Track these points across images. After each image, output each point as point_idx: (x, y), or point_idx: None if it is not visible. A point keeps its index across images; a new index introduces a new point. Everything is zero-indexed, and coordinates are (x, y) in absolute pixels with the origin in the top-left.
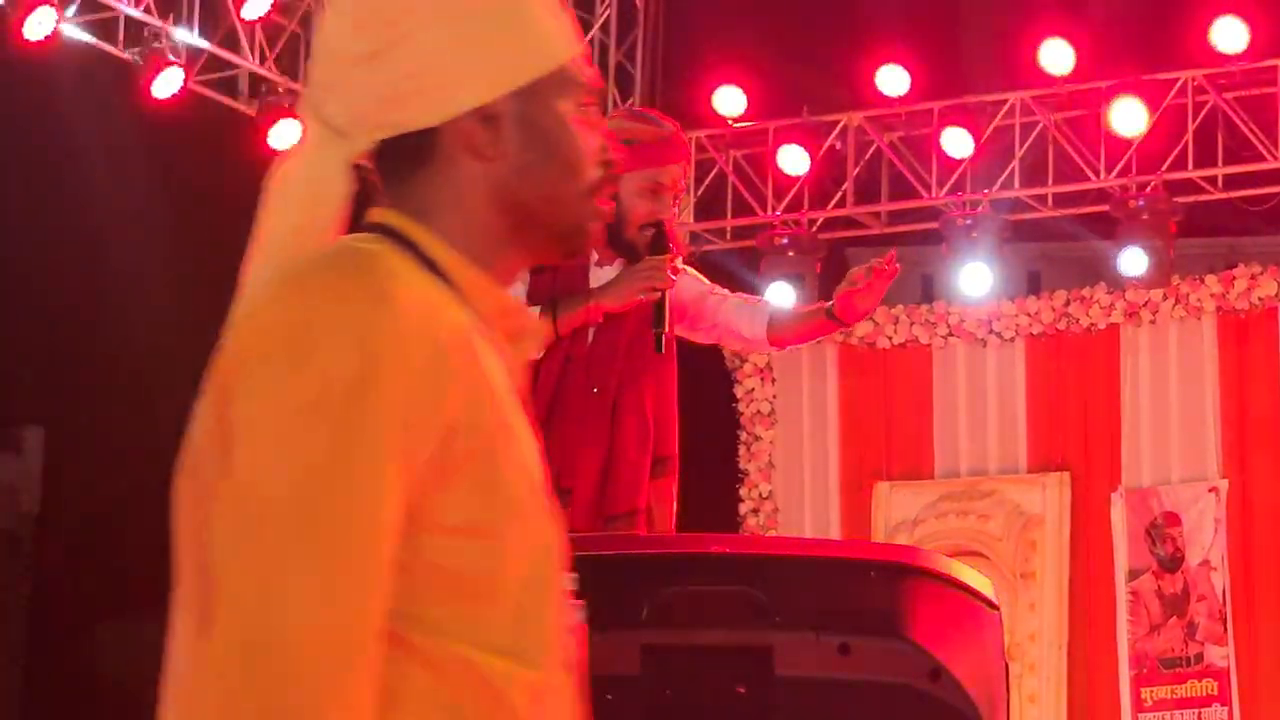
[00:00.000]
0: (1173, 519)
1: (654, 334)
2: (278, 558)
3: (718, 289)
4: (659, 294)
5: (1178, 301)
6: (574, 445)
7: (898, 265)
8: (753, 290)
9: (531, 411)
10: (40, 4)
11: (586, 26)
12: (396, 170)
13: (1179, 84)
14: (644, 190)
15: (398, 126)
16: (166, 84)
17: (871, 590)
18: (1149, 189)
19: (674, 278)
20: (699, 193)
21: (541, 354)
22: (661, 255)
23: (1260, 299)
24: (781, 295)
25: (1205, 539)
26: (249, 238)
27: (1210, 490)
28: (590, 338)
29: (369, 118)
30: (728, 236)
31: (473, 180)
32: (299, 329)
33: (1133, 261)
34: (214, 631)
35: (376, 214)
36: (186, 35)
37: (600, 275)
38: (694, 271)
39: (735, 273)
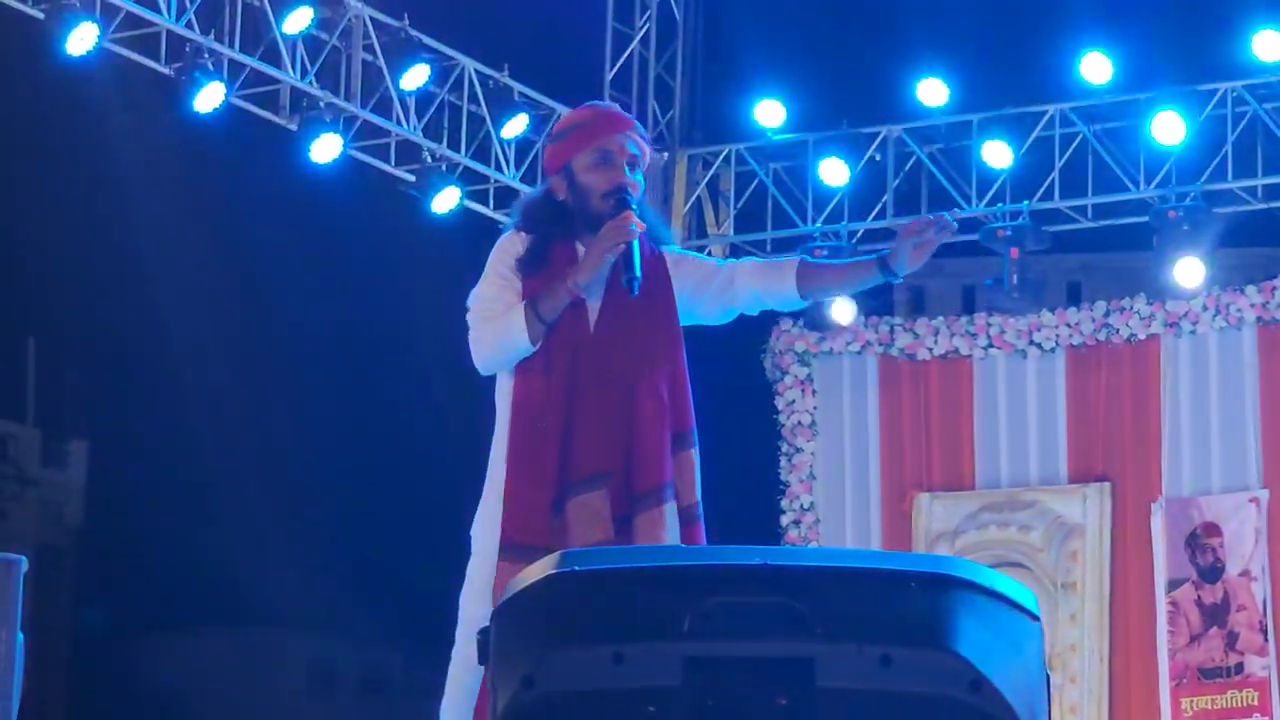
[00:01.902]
0: (1213, 529)
1: (626, 280)
2: None
3: (726, 259)
4: (624, 246)
5: (1218, 312)
6: (597, 430)
7: (955, 226)
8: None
9: (553, 402)
10: (83, 19)
11: (626, 40)
12: None
13: (1219, 94)
14: (594, 164)
15: None
16: (208, 99)
17: (913, 601)
18: (1189, 199)
19: (636, 230)
20: (739, 204)
21: (539, 345)
22: (620, 214)
23: None
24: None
25: (1245, 549)
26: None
27: (1251, 500)
28: (592, 326)
29: None
30: (768, 248)
31: None
32: None
33: (1187, 273)
34: None
35: None
36: (228, 50)
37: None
38: (695, 254)
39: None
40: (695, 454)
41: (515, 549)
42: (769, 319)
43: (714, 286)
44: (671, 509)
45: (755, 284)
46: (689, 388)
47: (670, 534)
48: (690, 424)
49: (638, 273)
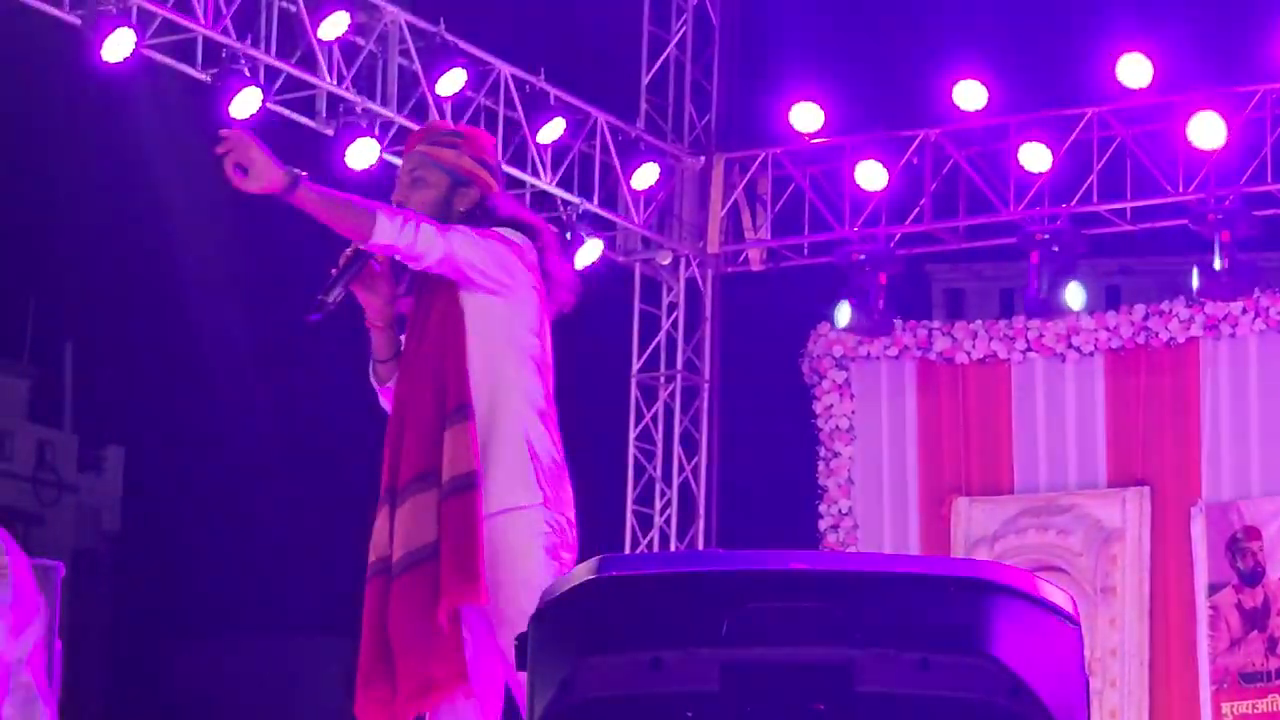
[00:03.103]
0: (1253, 533)
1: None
2: None
3: None
4: (339, 264)
5: (1257, 315)
6: (390, 444)
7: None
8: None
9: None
10: (119, 26)
11: (663, 44)
12: None
13: (1257, 97)
14: None
15: None
16: (244, 104)
17: (951, 606)
18: (1227, 202)
19: (346, 254)
20: (776, 209)
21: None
22: None
23: None
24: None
25: None
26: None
27: None
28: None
29: None
30: (805, 253)
31: None
32: None
33: (1200, 278)
34: None
35: None
36: (264, 55)
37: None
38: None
39: (813, 288)
40: (469, 426)
41: (369, 567)
42: (807, 323)
43: None
44: (428, 498)
45: None
46: (466, 362)
47: (416, 523)
48: (464, 398)
49: (329, 295)
